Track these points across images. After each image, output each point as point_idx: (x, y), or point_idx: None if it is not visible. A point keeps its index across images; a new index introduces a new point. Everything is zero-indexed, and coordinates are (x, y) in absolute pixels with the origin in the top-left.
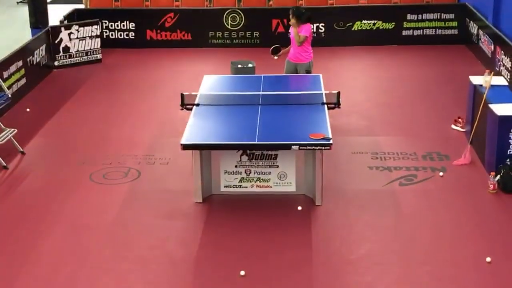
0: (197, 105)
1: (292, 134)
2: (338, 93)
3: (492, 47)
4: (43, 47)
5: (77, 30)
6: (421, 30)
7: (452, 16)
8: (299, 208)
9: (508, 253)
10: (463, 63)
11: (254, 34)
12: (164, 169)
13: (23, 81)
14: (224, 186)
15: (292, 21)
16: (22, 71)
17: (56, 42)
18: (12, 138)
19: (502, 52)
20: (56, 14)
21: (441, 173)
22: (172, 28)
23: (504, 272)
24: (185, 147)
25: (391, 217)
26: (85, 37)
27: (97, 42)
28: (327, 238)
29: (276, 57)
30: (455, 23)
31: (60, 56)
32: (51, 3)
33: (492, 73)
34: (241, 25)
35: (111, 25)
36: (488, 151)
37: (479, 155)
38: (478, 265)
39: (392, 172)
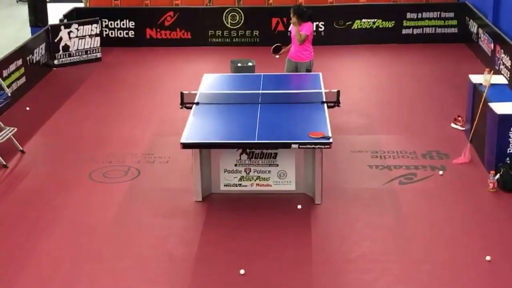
0: (197, 103)
1: (292, 132)
2: (338, 92)
3: (492, 45)
4: (43, 45)
5: (77, 29)
6: (421, 29)
7: (452, 14)
8: (299, 207)
9: (508, 251)
10: (463, 61)
11: (254, 33)
12: (164, 167)
13: (23, 79)
14: (224, 185)
15: (293, 19)
16: (22, 70)
17: (55, 40)
18: (11, 136)
19: (502, 50)
20: (55, 12)
21: (440, 172)
22: (172, 26)
23: (504, 271)
24: (185, 145)
25: (391, 216)
26: (85, 36)
27: (96, 41)
28: (326, 236)
29: (277, 56)
30: (455, 22)
31: (60, 55)
32: (50, 1)
33: (492, 71)
34: (240, 23)
35: (111, 24)
36: (488, 150)
37: (478, 153)
38: (477, 263)
39: (392, 171)
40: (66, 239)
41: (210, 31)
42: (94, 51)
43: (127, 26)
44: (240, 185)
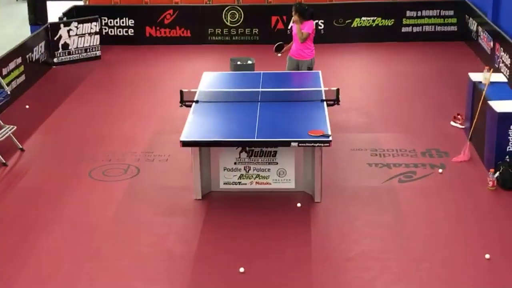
0: (196, 102)
1: (292, 131)
2: (338, 90)
3: (492, 43)
4: (42, 44)
5: (76, 27)
6: (421, 27)
7: (451, 12)
8: (299, 205)
9: (507, 249)
10: (462, 60)
11: (254, 31)
12: (164, 166)
13: (22, 78)
14: (224, 183)
15: (295, 17)
16: (21, 68)
17: (55, 39)
18: (11, 135)
19: (502, 49)
20: (55, 11)
21: (440, 170)
22: (171, 25)
23: (503, 269)
24: (185, 144)
25: (390, 214)
26: (84, 34)
27: (96, 39)
28: (326, 235)
29: (279, 54)
30: (454, 20)
31: (59, 53)
32: (50, 0)
33: (492, 70)
34: (240, 21)
35: (110, 22)
36: (487, 148)
37: (478, 152)
38: (477, 261)
39: (391, 169)
40: (65, 237)
41: (209, 29)
42: (94, 49)
43: (127, 24)
44: (239, 183)
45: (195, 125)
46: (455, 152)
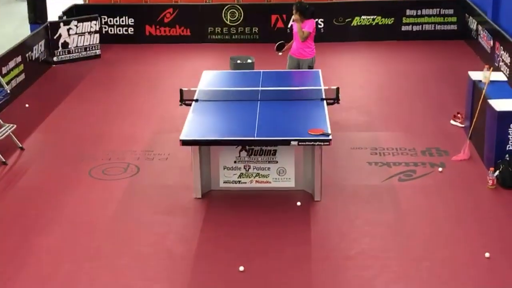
0: (196, 100)
1: (291, 129)
2: (337, 89)
3: (491, 42)
4: (42, 42)
5: (76, 26)
6: (420, 26)
7: (451, 11)
8: (298, 203)
9: (507, 248)
10: (462, 58)
11: (253, 30)
12: (163, 164)
13: (22, 76)
14: (223, 182)
15: (296, 16)
16: (21, 67)
17: (55, 37)
18: (11, 133)
19: (501, 47)
20: (55, 9)
21: (440, 169)
22: (171, 23)
23: (503, 267)
24: (184, 142)
25: (390, 213)
26: (84, 33)
27: (96, 38)
28: (326, 233)
29: (280, 53)
30: (454, 19)
31: (59, 52)
32: None
33: (491, 68)
34: (240, 20)
35: (110, 21)
36: (487, 147)
37: (478, 150)
38: (477, 260)
39: (391, 168)
40: (65, 236)
41: (209, 28)
42: (94, 48)
43: (127, 23)
44: (239, 182)
45: (195, 124)
46: (455, 150)
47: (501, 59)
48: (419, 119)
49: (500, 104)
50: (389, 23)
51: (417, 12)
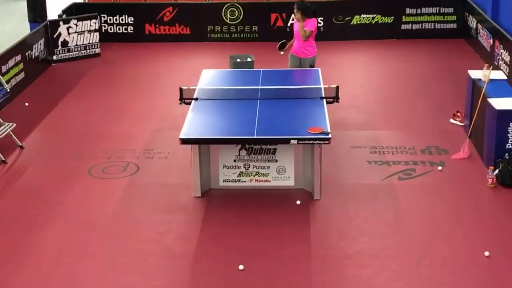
0: (196, 99)
1: (291, 128)
2: (337, 88)
3: (491, 41)
4: (42, 41)
5: (76, 25)
6: (420, 24)
7: (451, 10)
8: (298, 202)
9: (507, 247)
10: (462, 57)
11: (253, 28)
12: (163, 163)
13: (22, 75)
14: (223, 181)
15: (297, 15)
16: (21, 66)
17: (54, 36)
18: (10, 132)
19: (501, 46)
20: (54, 8)
21: (439, 167)
22: (171, 22)
23: (502, 266)
24: (184, 141)
25: (390, 212)
26: (84, 31)
27: (95, 36)
28: (325, 232)
29: (282, 52)
30: (454, 17)
31: (59, 51)
32: None
33: (491, 67)
34: (240, 19)
35: (110, 19)
36: (487, 145)
37: (477, 149)
38: (476, 259)
39: (390, 167)
40: (65, 235)
41: (209, 27)
42: (93, 47)
43: (126, 22)
44: (239, 180)
45: (195, 122)
46: (454, 149)
47: (500, 57)
48: (418, 117)
49: (500, 103)
50: (389, 21)
51: (417, 11)
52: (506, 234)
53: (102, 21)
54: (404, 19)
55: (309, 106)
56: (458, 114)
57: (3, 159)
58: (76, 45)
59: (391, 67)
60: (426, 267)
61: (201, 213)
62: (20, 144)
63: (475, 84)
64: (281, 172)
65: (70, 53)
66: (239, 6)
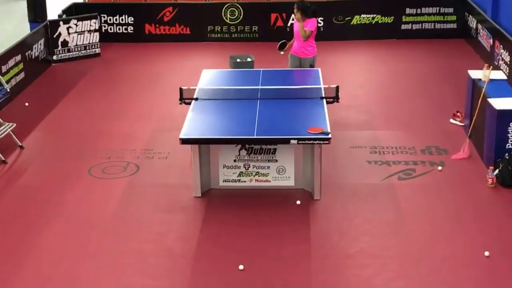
0: (196, 99)
1: (291, 128)
2: (337, 87)
3: (491, 41)
4: (42, 41)
5: (76, 25)
6: (420, 24)
7: (451, 10)
8: (298, 202)
9: (507, 247)
10: (462, 57)
11: (253, 28)
12: (163, 163)
13: (22, 75)
14: (223, 181)
15: (297, 15)
16: (21, 66)
17: (54, 36)
18: (10, 132)
19: (501, 46)
20: (54, 8)
21: (439, 167)
22: (171, 22)
23: (502, 266)
24: (184, 141)
25: (390, 212)
26: (84, 31)
27: (95, 36)
28: (325, 232)
29: (282, 52)
30: (454, 17)
31: (59, 51)
32: None
33: (491, 67)
34: (240, 19)
35: (110, 19)
36: (487, 145)
37: (477, 149)
38: (476, 259)
39: (390, 167)
40: (65, 235)
41: (209, 27)
42: (93, 47)
43: (126, 22)
44: (239, 180)
45: (195, 122)
46: (454, 149)
47: (500, 57)
48: (418, 117)
49: (500, 103)
50: (389, 21)
51: (417, 11)
52: (506, 234)
53: (102, 21)
54: (404, 19)
55: (309, 106)
56: (458, 114)
57: (3, 159)
58: (76, 45)
59: (391, 67)
60: (426, 266)
61: (201, 213)
62: (20, 144)
63: (475, 84)
64: (281, 172)
65: (70, 53)
66: (239, 6)
